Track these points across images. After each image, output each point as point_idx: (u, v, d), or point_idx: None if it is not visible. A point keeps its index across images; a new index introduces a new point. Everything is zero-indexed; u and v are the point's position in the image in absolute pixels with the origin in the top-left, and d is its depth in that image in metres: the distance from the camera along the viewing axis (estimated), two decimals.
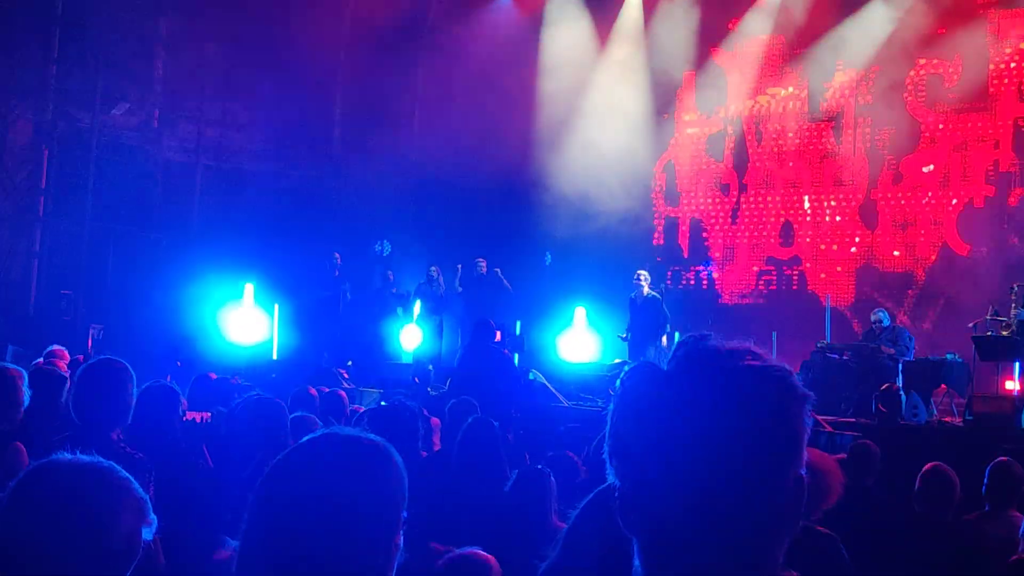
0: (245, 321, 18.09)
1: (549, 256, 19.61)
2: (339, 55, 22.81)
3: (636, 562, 1.67)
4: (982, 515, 7.08)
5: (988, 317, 15.17)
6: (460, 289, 19.63)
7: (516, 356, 17.78)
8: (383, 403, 9.10)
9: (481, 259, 19.59)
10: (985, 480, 7.18)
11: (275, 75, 20.61)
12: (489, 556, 4.07)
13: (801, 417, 1.65)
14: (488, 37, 21.49)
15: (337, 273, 19.99)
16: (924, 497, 6.89)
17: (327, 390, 10.30)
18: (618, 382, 1.72)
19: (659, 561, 1.64)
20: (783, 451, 1.62)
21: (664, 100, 22.11)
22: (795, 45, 20.78)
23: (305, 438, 2.15)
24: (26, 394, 5.70)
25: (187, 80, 20.98)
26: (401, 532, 2.09)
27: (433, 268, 19.68)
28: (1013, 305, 14.75)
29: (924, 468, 6.99)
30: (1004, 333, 14.65)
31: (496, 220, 21.38)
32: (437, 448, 8.78)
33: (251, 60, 20.39)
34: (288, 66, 20.74)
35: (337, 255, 20.19)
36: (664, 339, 17.11)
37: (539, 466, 5.94)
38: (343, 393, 9.63)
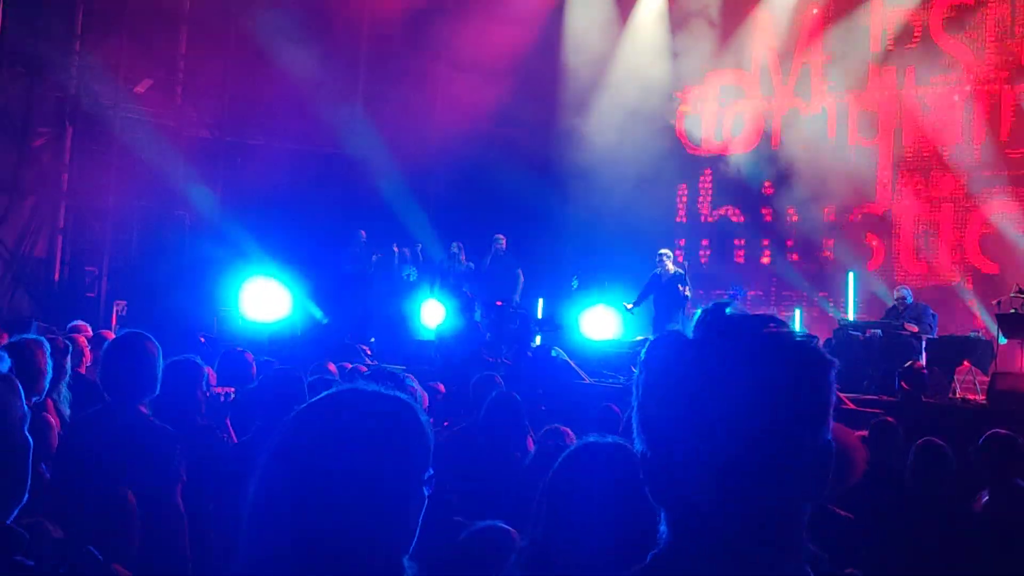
0: (268, 297, 18.12)
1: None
2: (362, 30, 22.81)
3: (663, 528, 1.68)
4: (991, 489, 7.01)
5: (1013, 294, 15.12)
6: (488, 263, 19.60)
7: (539, 337, 17.83)
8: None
9: (501, 236, 19.58)
10: (984, 454, 7.10)
11: (298, 51, 20.59)
12: (510, 529, 4.08)
13: (827, 382, 1.65)
14: (512, 12, 21.43)
15: (374, 257, 20.02)
16: (917, 474, 6.83)
17: (349, 366, 10.34)
18: (643, 352, 1.73)
19: (688, 529, 1.64)
20: (809, 416, 1.63)
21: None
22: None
23: (324, 393, 2.12)
24: (48, 364, 5.74)
25: (210, 56, 20.98)
26: (426, 488, 2.08)
27: (455, 244, 19.68)
28: None
29: (917, 443, 6.95)
30: None
31: (519, 197, 21.37)
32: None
33: (274, 36, 20.38)
34: (312, 42, 20.73)
35: (363, 232, 20.21)
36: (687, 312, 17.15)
37: (561, 441, 5.95)
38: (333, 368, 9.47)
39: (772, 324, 1.67)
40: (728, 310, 1.69)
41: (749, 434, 1.58)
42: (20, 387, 2.69)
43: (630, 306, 17.81)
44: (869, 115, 20.33)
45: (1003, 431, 7.21)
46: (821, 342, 1.71)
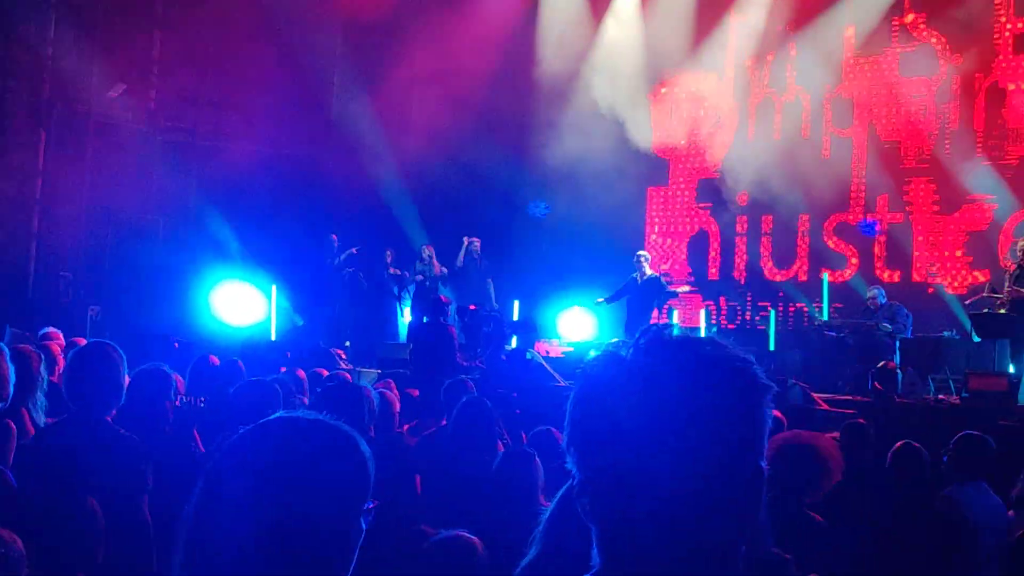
0: (243, 302, 18.07)
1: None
2: (336, 34, 22.77)
3: (594, 552, 1.65)
4: (956, 490, 7.03)
5: (985, 294, 15.20)
6: (460, 265, 19.59)
7: (515, 338, 17.84)
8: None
9: (476, 239, 19.58)
10: (954, 452, 7.13)
11: (272, 55, 20.55)
12: (474, 538, 4.09)
13: (761, 407, 1.63)
14: (487, 12, 21.41)
15: (343, 256, 19.96)
16: (895, 475, 6.87)
17: (326, 372, 10.33)
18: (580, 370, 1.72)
19: (616, 552, 1.62)
20: (742, 441, 1.61)
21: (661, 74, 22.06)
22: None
23: (259, 422, 2.04)
24: (11, 369, 5.72)
25: (184, 61, 20.89)
26: (364, 520, 2.02)
27: (426, 248, 19.67)
28: (1007, 282, 14.77)
29: (895, 446, 6.98)
30: (1001, 311, 14.68)
31: (495, 198, 21.39)
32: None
33: (248, 41, 20.34)
34: (285, 46, 20.69)
35: (335, 236, 20.17)
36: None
37: (524, 447, 5.96)
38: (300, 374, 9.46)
39: (709, 346, 1.65)
40: (667, 332, 1.67)
41: (678, 458, 1.56)
42: None
43: (601, 300, 17.87)
44: (844, 105, 20.39)
45: (975, 432, 7.25)
46: (756, 363, 1.69)
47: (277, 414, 2.08)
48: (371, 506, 2.04)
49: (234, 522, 1.91)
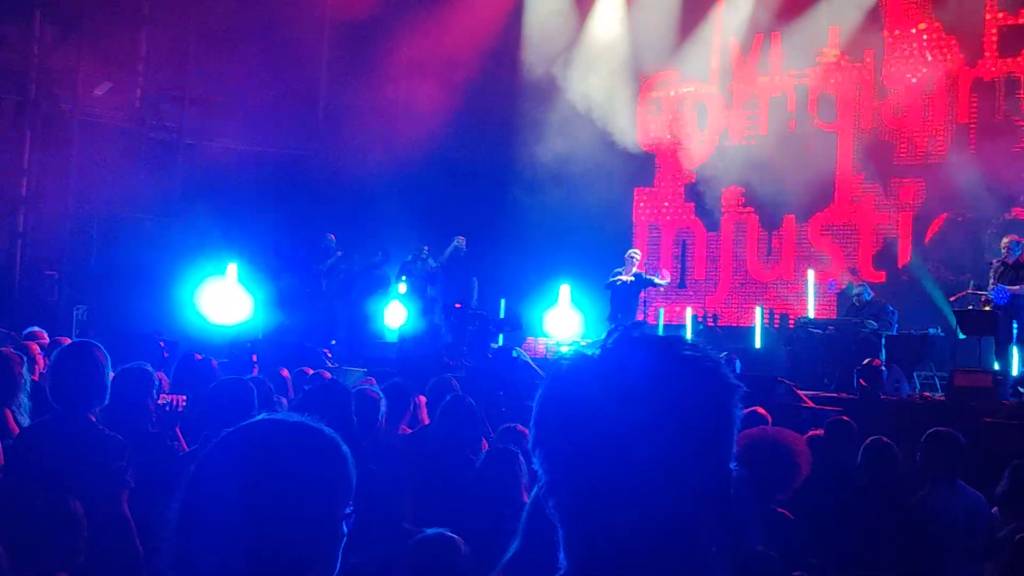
0: (230, 300, 18.01)
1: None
2: (323, 32, 22.74)
3: (560, 555, 1.64)
4: (930, 487, 7.02)
5: (969, 291, 15.25)
6: (442, 262, 19.56)
7: (501, 336, 17.86)
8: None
9: (462, 237, 19.58)
10: (924, 450, 7.10)
11: (259, 54, 20.52)
12: (456, 537, 4.10)
13: (729, 408, 1.62)
14: (473, 8, 21.39)
15: (339, 253, 19.93)
16: (866, 471, 6.86)
17: (311, 371, 10.31)
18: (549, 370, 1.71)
19: (583, 553, 1.61)
20: (709, 441, 1.60)
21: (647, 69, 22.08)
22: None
23: (242, 424, 2.04)
24: None
25: (170, 60, 20.85)
26: (345, 523, 2.01)
27: (424, 248, 19.64)
28: (992, 279, 14.82)
29: (866, 441, 6.97)
30: (985, 308, 14.73)
31: (483, 195, 21.38)
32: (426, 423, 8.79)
33: (234, 39, 20.30)
34: (272, 44, 20.66)
35: (332, 235, 20.10)
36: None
37: (508, 445, 5.96)
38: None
39: (678, 346, 1.64)
40: (635, 331, 1.66)
41: (645, 458, 1.54)
42: None
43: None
44: (830, 100, 20.43)
45: (943, 429, 7.23)
46: (727, 363, 1.67)
47: (260, 416, 2.08)
48: (351, 511, 2.04)
49: (219, 525, 1.91)
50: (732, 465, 1.63)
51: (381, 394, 6.87)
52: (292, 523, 1.94)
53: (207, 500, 1.95)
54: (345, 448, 2.06)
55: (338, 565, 2.03)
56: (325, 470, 2.01)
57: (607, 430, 1.56)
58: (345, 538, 2.03)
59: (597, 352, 1.65)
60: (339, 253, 19.85)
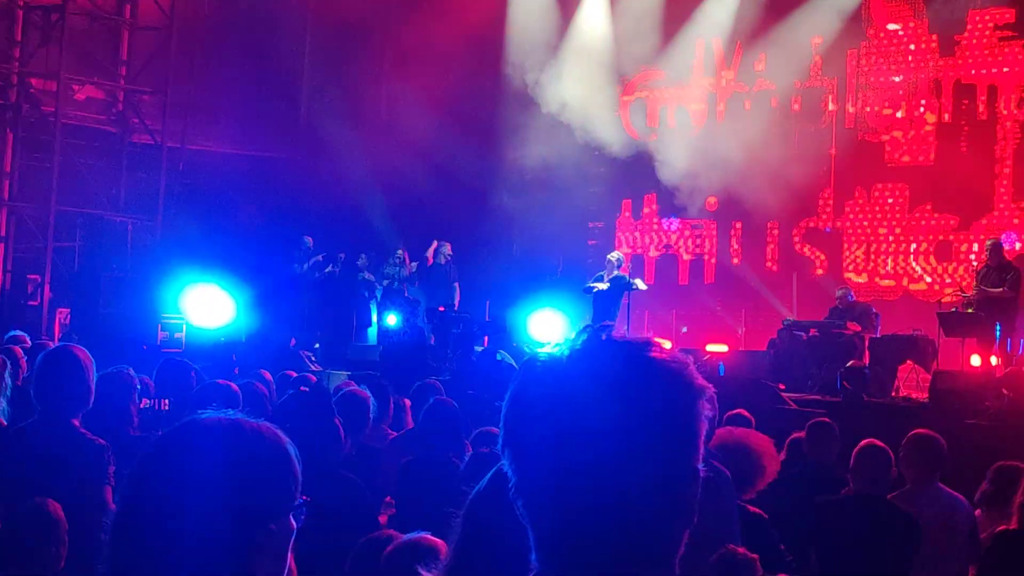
0: (212, 304, 17.96)
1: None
2: (305, 36, 22.72)
3: (532, 556, 1.64)
4: (910, 490, 7.01)
5: (953, 293, 15.31)
6: (431, 268, 19.55)
7: (487, 338, 17.84)
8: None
9: (447, 242, 19.56)
10: (904, 452, 7.07)
11: (241, 58, 20.50)
12: (438, 540, 4.08)
13: (695, 410, 1.62)
14: (456, 10, 21.36)
15: (310, 262, 19.88)
16: (858, 474, 6.82)
17: (294, 374, 10.28)
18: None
19: (553, 553, 1.61)
20: (676, 443, 1.60)
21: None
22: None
23: (181, 422, 2.05)
24: None
25: (152, 63, 20.80)
26: (294, 516, 2.02)
27: (399, 251, 19.63)
28: (975, 281, 14.88)
29: (859, 445, 6.94)
30: (968, 310, 14.79)
31: (467, 197, 21.36)
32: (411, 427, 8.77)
33: (217, 43, 20.28)
34: (254, 49, 20.64)
35: (309, 238, 20.07)
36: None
37: (493, 448, 5.93)
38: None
39: (646, 348, 1.64)
40: (603, 335, 1.66)
41: (613, 461, 1.55)
42: None
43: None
44: (815, 101, 20.47)
45: (924, 431, 7.23)
46: (693, 366, 1.67)
47: (206, 414, 2.07)
48: (301, 503, 2.04)
49: (154, 524, 1.92)
50: (699, 465, 1.63)
51: (369, 393, 6.86)
52: (228, 519, 1.94)
53: (146, 495, 1.96)
54: (290, 446, 2.06)
55: (287, 558, 2.03)
56: (262, 465, 2.01)
57: (574, 431, 1.56)
58: (295, 532, 2.03)
59: (565, 354, 1.65)
60: (320, 257, 19.80)
